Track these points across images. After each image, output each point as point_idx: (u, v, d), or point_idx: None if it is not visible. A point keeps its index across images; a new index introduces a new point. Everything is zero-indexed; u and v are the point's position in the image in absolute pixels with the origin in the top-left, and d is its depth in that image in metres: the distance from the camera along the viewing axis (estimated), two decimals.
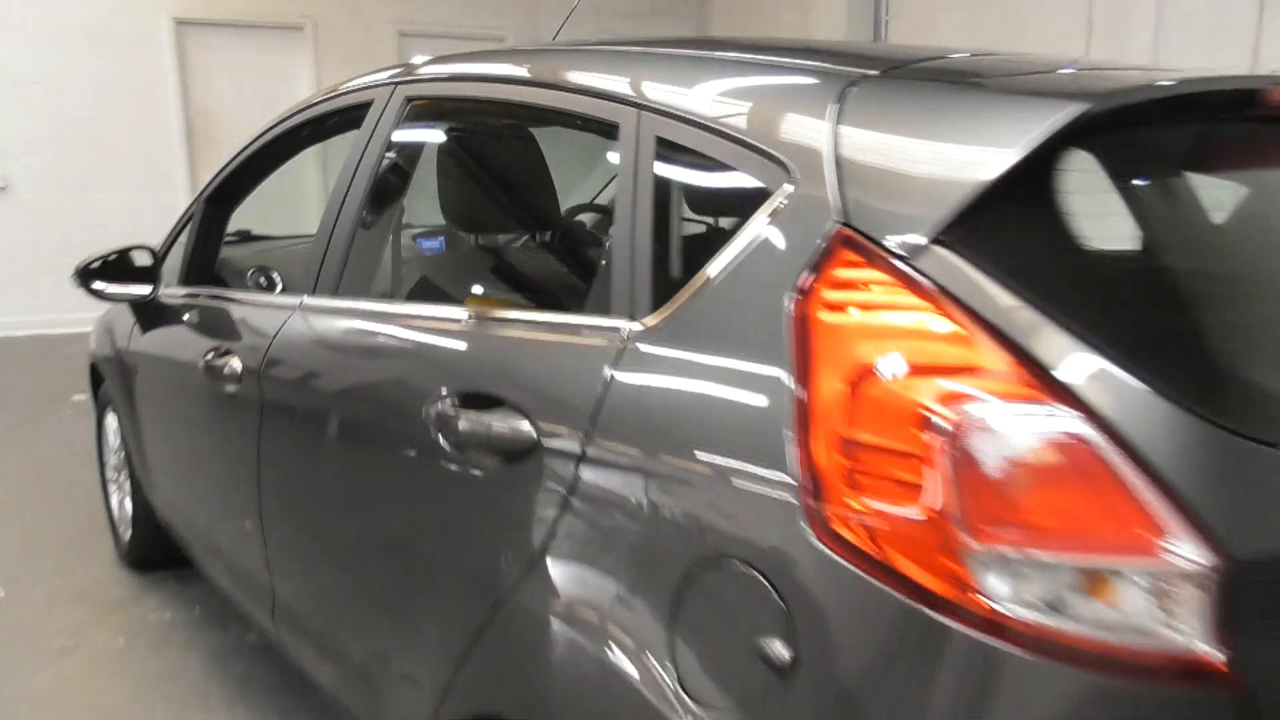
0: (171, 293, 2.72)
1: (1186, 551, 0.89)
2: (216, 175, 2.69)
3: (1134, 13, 5.19)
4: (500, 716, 1.35)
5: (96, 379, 3.54)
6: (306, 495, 1.95)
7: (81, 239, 7.50)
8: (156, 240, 2.93)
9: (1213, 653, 0.90)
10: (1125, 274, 1.14)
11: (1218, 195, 1.39)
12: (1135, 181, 1.30)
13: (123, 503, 3.41)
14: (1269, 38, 4.64)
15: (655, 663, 1.12)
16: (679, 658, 1.11)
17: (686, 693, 1.09)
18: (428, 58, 2.01)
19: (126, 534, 3.40)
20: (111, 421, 3.41)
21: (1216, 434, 0.93)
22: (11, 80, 7.20)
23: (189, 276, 2.72)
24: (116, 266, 2.72)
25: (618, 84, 1.46)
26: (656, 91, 1.38)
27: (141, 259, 2.75)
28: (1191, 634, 0.90)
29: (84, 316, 7.21)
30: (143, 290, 2.72)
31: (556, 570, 1.27)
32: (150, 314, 2.79)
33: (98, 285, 2.66)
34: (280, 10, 7.97)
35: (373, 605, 1.72)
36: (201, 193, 2.75)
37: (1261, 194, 1.44)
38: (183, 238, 2.83)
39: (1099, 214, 1.13)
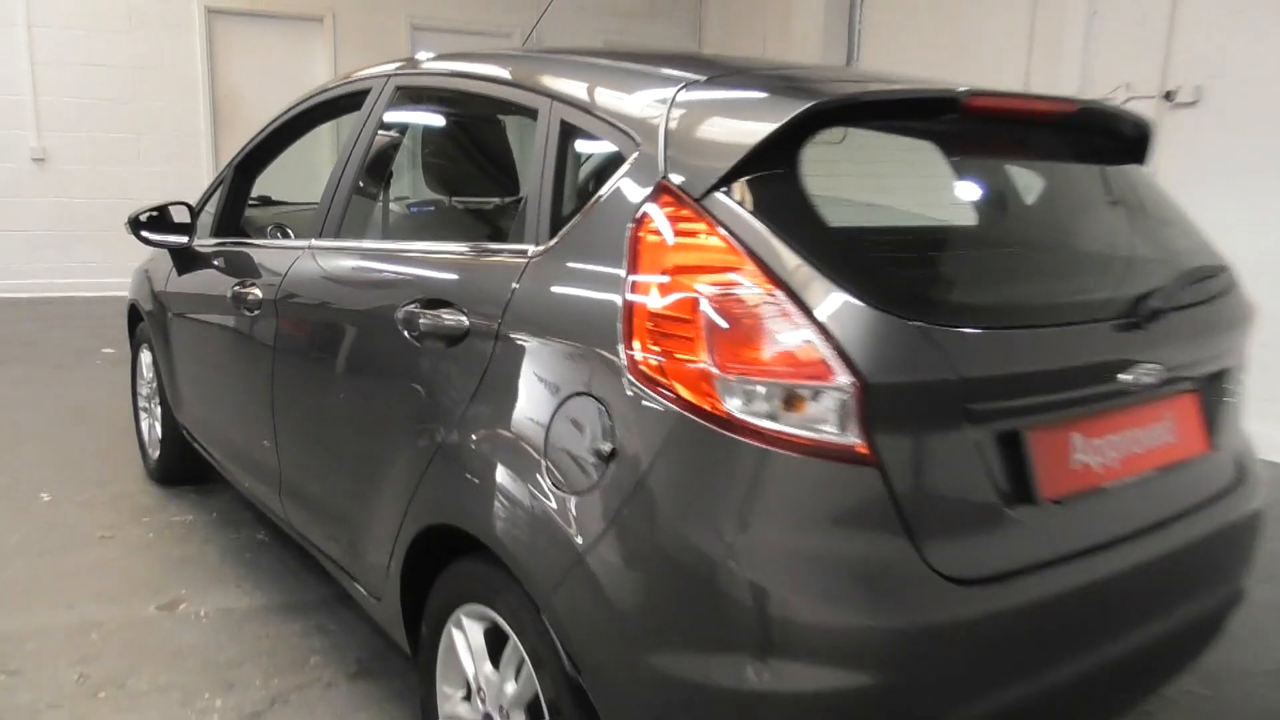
0: (204, 242, 3.29)
1: (843, 380, 1.45)
2: (245, 146, 3.26)
3: (1065, 31, 5.74)
4: (444, 524, 1.91)
5: (132, 324, 4.12)
6: (308, 390, 2.52)
7: (111, 209, 8.14)
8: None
9: (859, 441, 1.46)
10: (835, 213, 1.69)
11: (918, 162, 1.98)
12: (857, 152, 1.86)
13: (152, 427, 4.00)
14: (1177, 51, 5.17)
15: (537, 464, 1.69)
16: (551, 459, 1.67)
17: (554, 480, 1.65)
18: (422, 55, 2.57)
19: (155, 454, 3.98)
20: (145, 358, 4.00)
21: (871, 312, 1.48)
22: (54, 59, 7.80)
23: (219, 229, 3.28)
24: (159, 219, 3.29)
25: (539, 82, 2.02)
26: (562, 87, 1.95)
27: (180, 214, 3.32)
28: (848, 431, 1.46)
29: (110, 281, 7.88)
30: (181, 239, 3.29)
31: (477, 413, 1.84)
32: (185, 259, 3.36)
33: (145, 233, 3.23)
34: (302, 2, 8.56)
35: (353, 464, 2.28)
36: (232, 160, 3.31)
37: (940, 164, 2.02)
38: (214, 199, 3.39)
39: (826, 174, 1.70)
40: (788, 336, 1.47)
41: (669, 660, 1.50)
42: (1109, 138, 2.20)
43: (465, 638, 1.92)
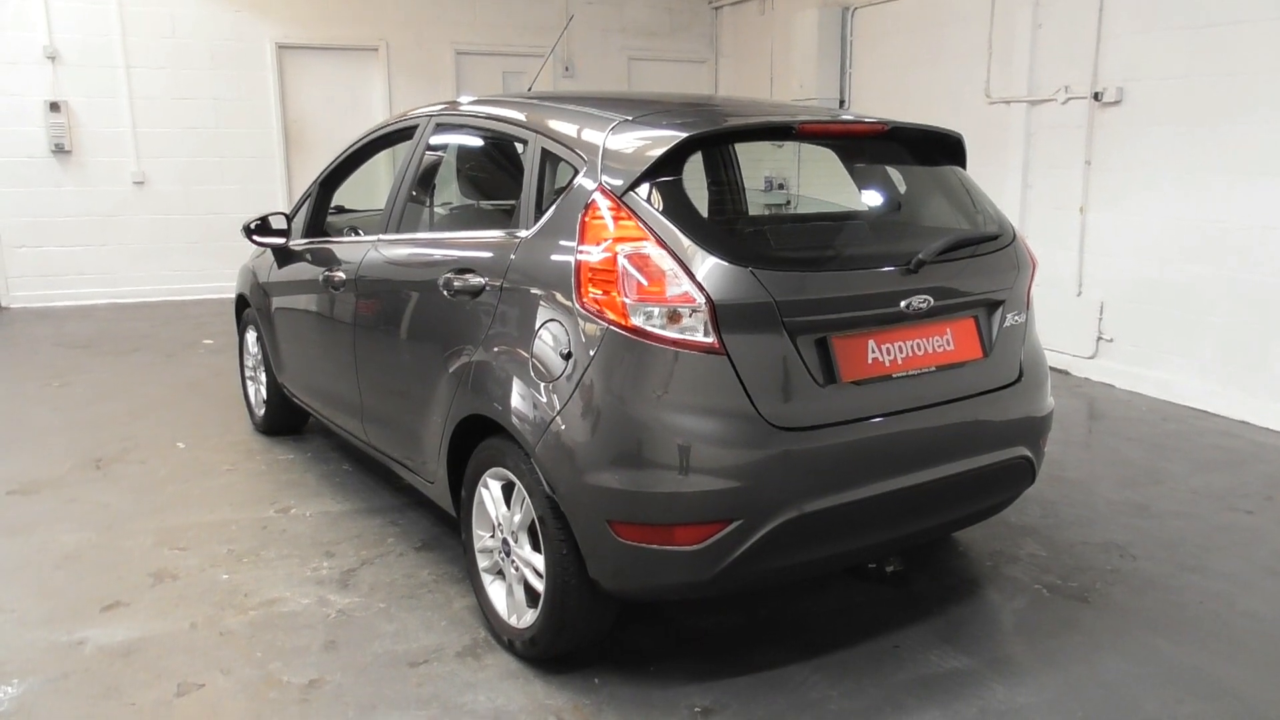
0: (297, 242, 4.36)
1: (700, 302, 2.43)
2: (327, 166, 4.33)
3: (1014, 42, 6.60)
4: (475, 414, 2.91)
5: (239, 311, 5.23)
6: (379, 341, 3.55)
7: (201, 223, 9.38)
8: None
9: (714, 340, 2.43)
10: (711, 206, 2.66)
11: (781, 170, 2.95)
12: (726, 166, 2.84)
13: (258, 391, 5.09)
14: (1103, 57, 6.01)
15: (527, 366, 2.69)
16: (534, 362, 2.67)
17: (537, 374, 2.65)
18: (463, 99, 3.59)
19: (260, 411, 5.08)
20: (250, 337, 5.09)
21: (718, 261, 2.46)
22: (151, 95, 9.04)
23: (307, 232, 4.35)
24: (263, 225, 4.35)
25: (527, 121, 3.04)
26: (542, 125, 2.96)
27: (278, 222, 4.39)
28: (707, 332, 2.43)
29: (202, 286, 9.15)
30: (280, 240, 4.36)
31: (491, 339, 2.85)
32: (284, 255, 4.44)
33: (255, 236, 4.30)
34: (359, 35, 9.71)
35: (413, 387, 3.29)
36: (317, 178, 4.38)
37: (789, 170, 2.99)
38: (304, 208, 4.46)
39: (702, 180, 2.68)
40: (669, 278, 2.46)
41: (608, 476, 2.49)
42: (936, 147, 3.16)
43: (489, 493, 2.93)
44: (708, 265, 2.47)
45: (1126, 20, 5.87)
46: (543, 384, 2.63)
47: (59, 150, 8.88)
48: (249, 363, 5.20)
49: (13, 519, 3.95)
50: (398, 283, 3.45)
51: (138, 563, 3.53)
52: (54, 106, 8.79)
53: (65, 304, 9.02)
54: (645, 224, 2.53)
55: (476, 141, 3.63)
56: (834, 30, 8.47)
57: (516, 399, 2.72)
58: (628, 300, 2.47)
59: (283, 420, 4.96)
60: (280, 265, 4.49)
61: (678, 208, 2.57)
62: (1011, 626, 3.10)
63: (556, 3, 10.37)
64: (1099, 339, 6.27)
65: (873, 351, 2.67)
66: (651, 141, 2.65)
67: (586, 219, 2.62)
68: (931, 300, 2.73)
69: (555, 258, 2.69)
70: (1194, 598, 3.28)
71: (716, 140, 2.73)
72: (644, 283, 2.48)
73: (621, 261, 2.50)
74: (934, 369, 2.78)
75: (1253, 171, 5.24)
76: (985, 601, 3.26)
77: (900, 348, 2.72)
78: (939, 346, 2.80)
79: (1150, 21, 5.73)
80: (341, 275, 3.79)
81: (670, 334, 2.45)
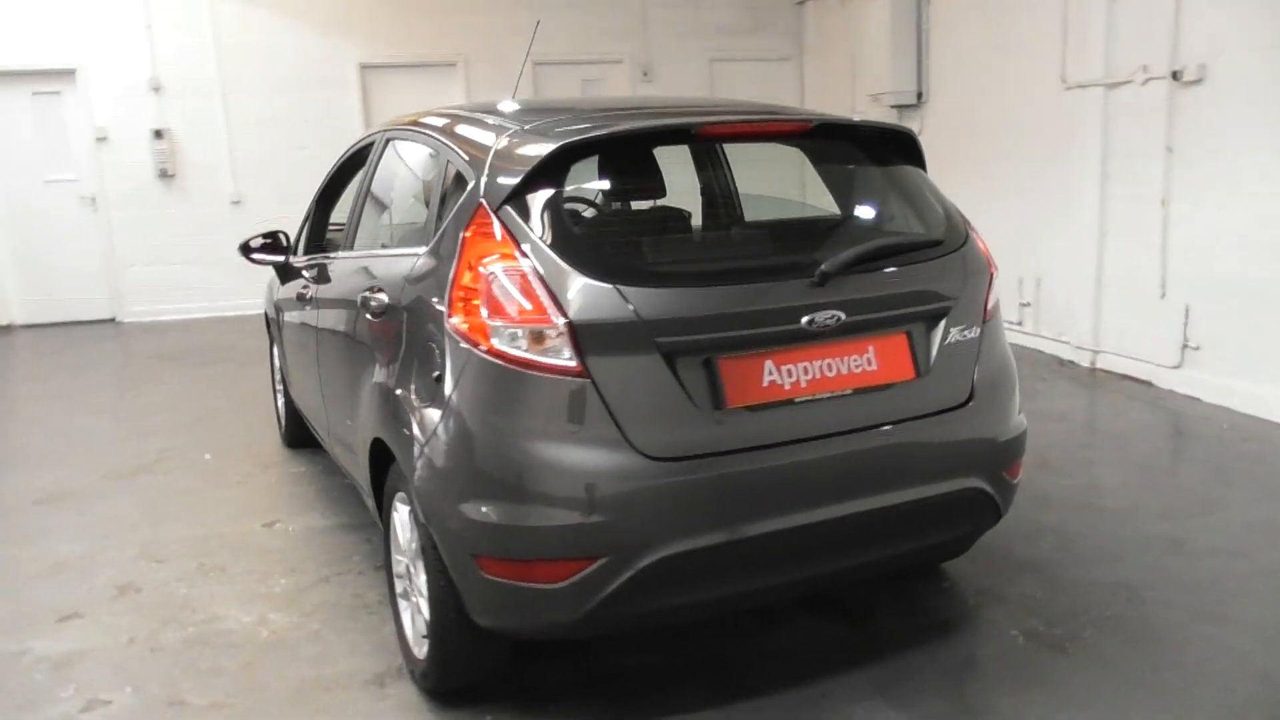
0: (296, 259, 4.42)
1: (560, 322, 2.26)
2: (321, 184, 4.36)
3: (1090, 22, 6.04)
4: (378, 436, 2.83)
5: (268, 325, 5.36)
6: (328, 358, 3.53)
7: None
8: None
9: (575, 363, 2.26)
10: (578, 218, 2.48)
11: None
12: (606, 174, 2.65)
13: (279, 402, 5.21)
14: (1184, 34, 5.41)
15: (409, 390, 2.58)
16: (415, 383, 2.56)
17: (417, 398, 2.54)
18: (405, 115, 3.53)
19: (282, 424, 5.19)
20: (275, 350, 5.22)
21: (582, 278, 2.29)
22: (243, 120, 9.50)
23: (306, 249, 4.40)
24: (269, 243, 4.41)
25: (440, 131, 2.94)
26: (450, 136, 2.85)
27: (280, 239, 4.45)
28: (569, 355, 2.27)
29: None
30: (280, 258, 4.43)
31: (390, 360, 2.76)
32: (285, 272, 4.51)
33: (253, 255, 4.37)
34: (438, 52, 9.90)
35: (349, 405, 3.24)
36: (314, 196, 4.43)
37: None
38: (305, 226, 4.51)
39: (581, 193, 2.50)
40: (529, 297, 2.30)
41: (471, 508, 2.35)
42: (890, 145, 2.87)
43: (399, 517, 2.84)
44: (571, 283, 2.30)
45: None
46: (419, 408, 2.53)
47: (163, 175, 9.45)
48: (277, 376, 5.33)
49: (23, 528, 4.16)
50: (337, 300, 3.42)
51: (111, 575, 3.63)
52: (158, 134, 9.36)
53: (171, 318, 9.57)
54: (514, 239, 2.38)
55: (415, 156, 3.56)
56: (908, 20, 8.02)
57: (399, 423, 2.62)
58: (489, 321, 2.33)
59: (301, 433, 5.03)
60: (282, 282, 4.57)
61: (552, 222, 2.41)
62: (965, 679, 2.77)
63: (634, 8, 10.28)
64: (1184, 346, 5.64)
65: (770, 373, 2.43)
66: (529, 153, 2.50)
67: (465, 234, 2.49)
68: (842, 316, 2.45)
69: (437, 275, 2.57)
70: (1200, 654, 2.85)
71: (594, 149, 2.56)
72: (505, 302, 2.33)
73: (485, 279, 2.36)
74: (850, 392, 2.51)
75: None
76: (947, 647, 2.93)
77: (806, 369, 2.46)
78: (857, 367, 2.53)
79: None
80: (309, 292, 3.80)
81: (532, 356, 2.29)
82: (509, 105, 3.15)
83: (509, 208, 2.43)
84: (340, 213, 4.51)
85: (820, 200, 3.31)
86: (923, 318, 2.64)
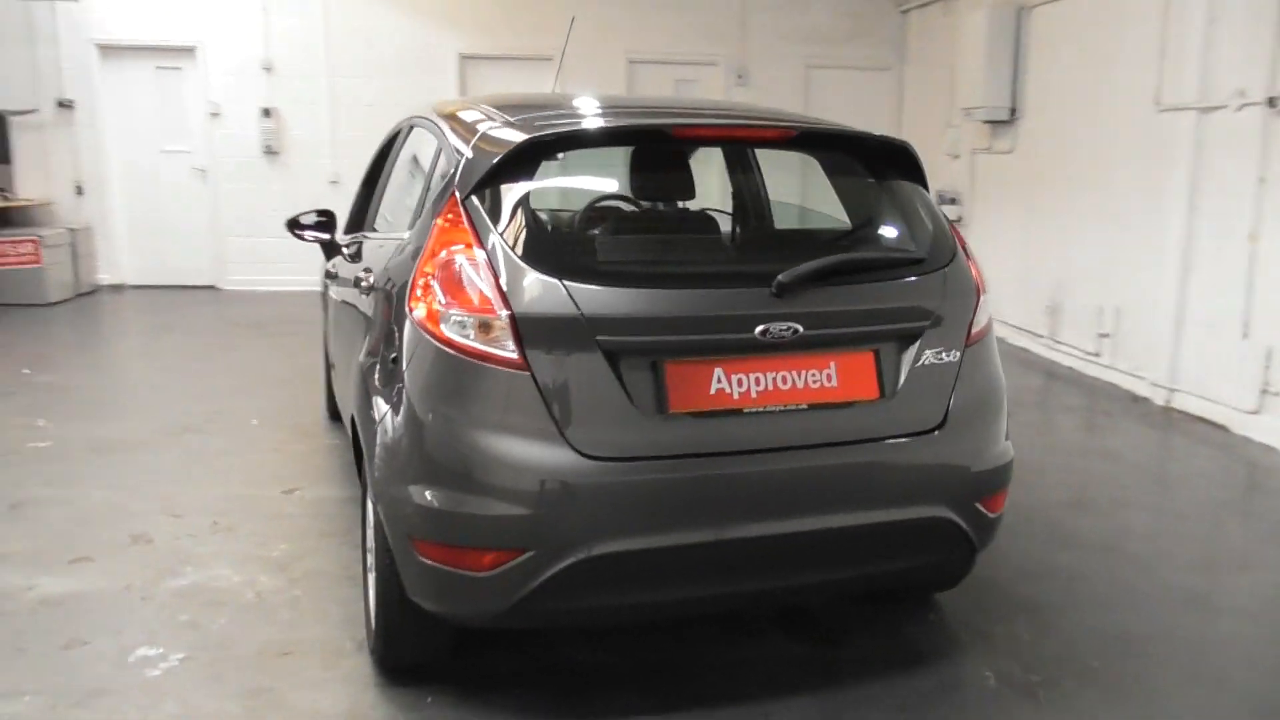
0: (340, 237, 4.56)
1: (503, 314, 2.27)
2: (366, 170, 4.50)
3: (1187, 42, 5.68)
4: (352, 414, 2.91)
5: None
6: (340, 331, 3.64)
7: None
8: None
9: (517, 355, 2.27)
10: (538, 212, 2.48)
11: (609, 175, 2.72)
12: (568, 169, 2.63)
13: (326, 374, 5.39)
14: None
15: (372, 371, 2.64)
16: (379, 365, 2.61)
17: (378, 379, 2.59)
18: (431, 103, 3.61)
19: (325, 395, 5.37)
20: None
21: (529, 271, 2.29)
22: (344, 101, 9.86)
23: (349, 228, 4.54)
24: (324, 221, 4.56)
25: (443, 121, 2.98)
26: (448, 126, 2.89)
27: (320, 217, 4.59)
28: (511, 347, 2.27)
29: None
30: (326, 235, 4.58)
31: (368, 340, 2.83)
32: (330, 250, 4.65)
33: (298, 231, 4.53)
34: (535, 46, 10.03)
35: (346, 378, 3.33)
36: (362, 180, 4.56)
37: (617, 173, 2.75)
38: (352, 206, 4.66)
39: (547, 188, 2.50)
40: (477, 286, 2.32)
41: (412, 490, 2.39)
42: (884, 156, 2.78)
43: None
44: (518, 275, 2.31)
45: None
46: (379, 389, 2.58)
47: (268, 151, 9.89)
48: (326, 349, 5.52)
49: (71, 474, 4.42)
50: (347, 279, 3.53)
51: (130, 525, 3.83)
52: (266, 112, 9.80)
53: (266, 289, 10.00)
54: (475, 229, 2.40)
55: (422, 144, 3.62)
56: (1006, 32, 7.71)
57: (364, 402, 2.68)
58: (441, 308, 2.36)
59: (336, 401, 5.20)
60: (327, 258, 4.72)
61: (511, 214, 2.42)
62: (916, 715, 2.66)
63: (732, 9, 10.20)
64: (1264, 391, 5.26)
65: (719, 381, 2.38)
66: (499, 146, 2.52)
67: (436, 222, 2.53)
68: (800, 328, 2.38)
69: (409, 260, 2.62)
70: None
71: (564, 145, 2.55)
72: (456, 291, 2.35)
73: (442, 267, 2.39)
74: (805, 407, 2.43)
75: None
76: (910, 680, 2.82)
77: (758, 380, 2.40)
78: (815, 382, 2.45)
79: None
80: (335, 270, 3.93)
81: (477, 346, 2.31)
82: (514, 98, 3.18)
83: (474, 198, 2.45)
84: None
85: (832, 210, 3.23)
86: (894, 337, 2.54)
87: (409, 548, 2.41)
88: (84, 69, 9.46)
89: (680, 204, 3.00)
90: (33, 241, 8.53)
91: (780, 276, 2.38)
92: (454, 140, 2.77)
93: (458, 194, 2.49)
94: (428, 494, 2.35)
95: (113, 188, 9.79)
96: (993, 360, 2.74)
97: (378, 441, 2.51)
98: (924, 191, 2.81)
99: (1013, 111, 7.88)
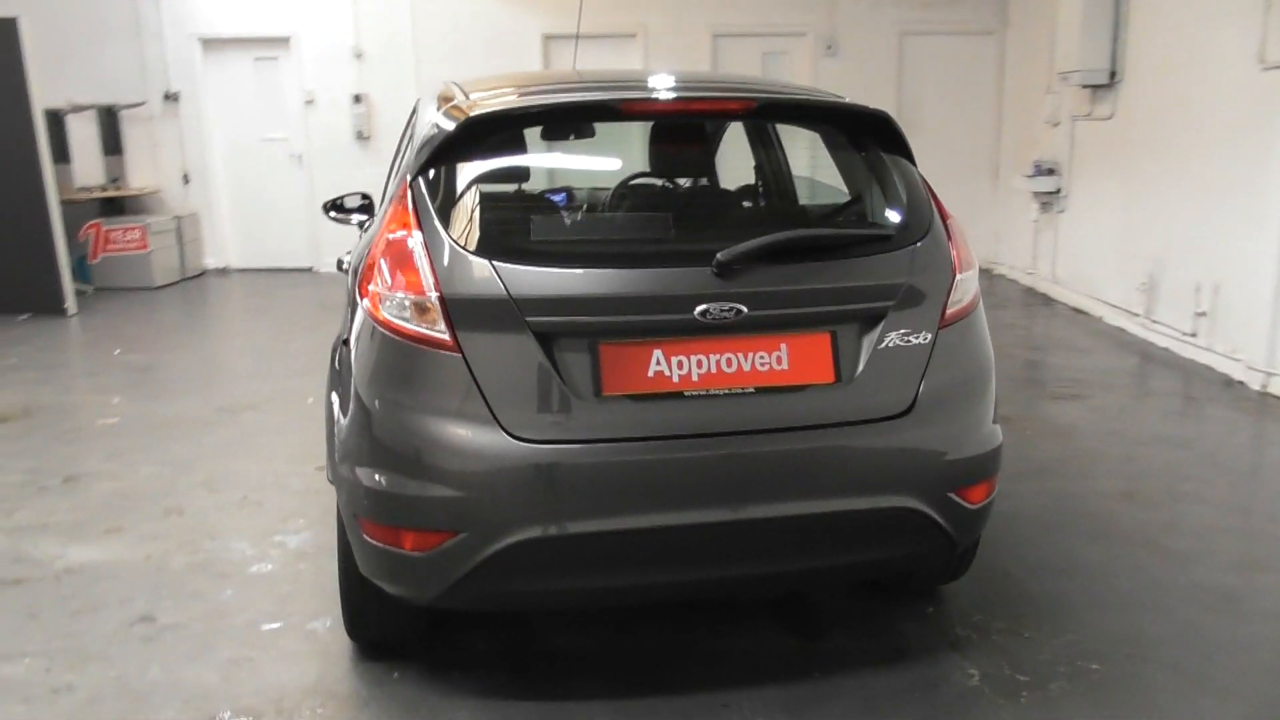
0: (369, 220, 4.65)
1: (433, 296, 2.26)
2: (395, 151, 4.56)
3: None
4: None
5: None
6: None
7: None
8: None
9: (448, 337, 2.25)
10: (478, 192, 2.44)
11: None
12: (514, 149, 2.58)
13: None
14: None
15: (338, 342, 2.67)
16: (340, 341, 2.65)
17: (339, 354, 2.63)
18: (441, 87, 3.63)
19: None
20: None
21: (459, 252, 2.27)
22: (430, 82, 10.03)
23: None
24: (364, 203, 4.66)
25: (431, 101, 2.98)
26: (426, 107, 2.89)
27: (352, 200, 4.68)
28: (442, 328, 2.26)
29: None
30: (363, 217, 4.68)
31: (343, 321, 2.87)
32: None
33: (332, 213, 4.64)
34: (620, 23, 9.99)
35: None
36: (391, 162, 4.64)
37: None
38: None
39: (492, 167, 2.47)
40: (412, 269, 2.32)
41: (357, 471, 2.41)
42: (864, 125, 2.64)
43: None
44: (449, 256, 2.29)
45: None
46: (337, 370, 2.62)
47: (360, 137, 10.20)
48: None
49: (129, 448, 4.69)
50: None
51: (169, 498, 4.03)
52: (357, 99, 10.10)
53: None
54: (417, 211, 2.39)
55: (417, 124, 3.64)
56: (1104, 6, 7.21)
57: (331, 382, 2.72)
58: (383, 290, 2.37)
59: None
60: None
61: (449, 195, 2.40)
62: (885, 713, 2.53)
63: None
64: None
65: (658, 363, 2.30)
66: (447, 125, 2.50)
67: (392, 204, 2.54)
68: (743, 309, 2.28)
69: (368, 243, 2.64)
70: None
71: (506, 124, 2.50)
72: (393, 272, 2.35)
73: (385, 247, 2.40)
74: (752, 390, 2.33)
75: None
76: (887, 676, 2.68)
77: (700, 362, 2.31)
78: (764, 364, 2.34)
79: None
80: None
81: (412, 327, 2.30)
82: (505, 78, 3.15)
83: (420, 179, 2.45)
84: None
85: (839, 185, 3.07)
86: (853, 318, 2.40)
87: (355, 525, 2.44)
88: (188, 62, 9.96)
89: (633, 182, 2.92)
90: (140, 228, 9.06)
91: (719, 255, 2.28)
92: (422, 121, 2.77)
93: (408, 176, 2.49)
94: (369, 473, 2.36)
95: (217, 175, 10.30)
96: (976, 342, 2.56)
97: (334, 420, 2.55)
98: (905, 163, 2.63)
99: (1112, 75, 7.35)
